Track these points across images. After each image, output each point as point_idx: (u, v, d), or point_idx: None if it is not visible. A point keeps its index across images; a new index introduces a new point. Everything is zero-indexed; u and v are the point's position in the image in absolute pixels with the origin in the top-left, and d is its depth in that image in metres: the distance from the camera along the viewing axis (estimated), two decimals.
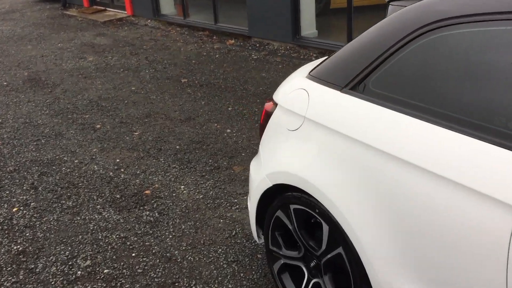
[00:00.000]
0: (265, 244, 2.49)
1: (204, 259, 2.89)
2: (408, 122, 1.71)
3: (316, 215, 2.08)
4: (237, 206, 3.41)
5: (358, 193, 1.85)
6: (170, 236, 3.11)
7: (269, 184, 2.31)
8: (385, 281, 1.80)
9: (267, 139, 2.37)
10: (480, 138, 1.52)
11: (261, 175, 2.35)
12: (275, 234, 2.42)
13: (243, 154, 4.18)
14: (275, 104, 2.33)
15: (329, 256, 2.08)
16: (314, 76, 2.15)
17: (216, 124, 4.82)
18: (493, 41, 1.58)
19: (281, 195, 2.27)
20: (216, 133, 4.63)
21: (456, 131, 1.58)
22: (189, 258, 2.90)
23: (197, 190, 3.65)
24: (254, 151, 4.20)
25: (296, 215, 2.22)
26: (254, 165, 2.53)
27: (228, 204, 3.45)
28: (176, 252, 2.97)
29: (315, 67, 2.22)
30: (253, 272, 2.75)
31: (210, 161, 4.10)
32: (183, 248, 3.00)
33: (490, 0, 1.60)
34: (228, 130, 4.68)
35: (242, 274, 2.73)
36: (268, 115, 2.36)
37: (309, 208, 2.12)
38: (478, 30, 1.61)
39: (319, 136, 2.03)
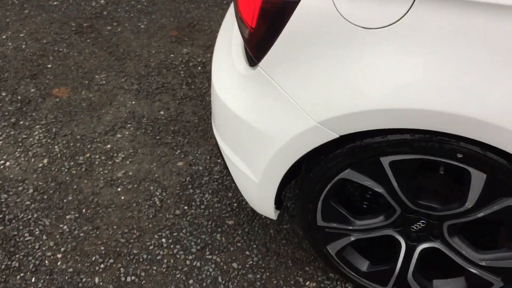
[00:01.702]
0: (301, 222, 1.53)
1: None
2: None
3: (456, 163, 1.20)
4: None
5: None
6: None
7: (332, 136, 1.26)
8: None
9: (292, 53, 1.23)
10: None
11: (300, 123, 1.26)
12: (329, 204, 1.45)
13: None
14: None
15: (483, 213, 1.28)
16: None
17: None
18: None
19: (348, 148, 1.27)
20: None
21: None
22: None
23: None
24: None
25: (398, 168, 1.29)
26: (241, 108, 1.40)
27: None
28: None
29: None
30: None
31: None
32: None
33: None
34: None
35: None
36: (278, 11, 1.19)
37: (437, 155, 1.21)
38: None
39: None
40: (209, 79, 2.61)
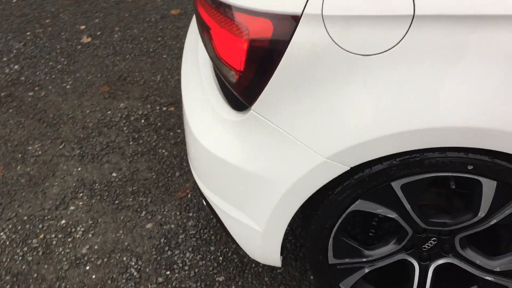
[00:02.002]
0: (311, 264, 1.45)
1: None
2: None
3: (467, 175, 1.19)
4: None
5: None
6: None
7: (343, 169, 1.20)
8: None
9: (288, 91, 1.17)
10: None
11: (307, 161, 1.20)
12: (340, 239, 1.38)
13: None
14: (279, 22, 1.11)
15: (495, 220, 1.28)
16: None
17: None
18: None
19: (357, 179, 1.22)
20: None
21: None
22: None
23: None
24: None
25: (410, 190, 1.25)
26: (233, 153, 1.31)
27: None
28: None
29: None
30: None
31: None
32: None
33: None
34: None
35: None
36: (268, 51, 1.13)
37: (450, 170, 1.20)
38: None
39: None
40: (156, 131, 2.48)
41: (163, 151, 2.36)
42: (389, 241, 1.40)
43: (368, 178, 1.23)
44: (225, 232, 1.55)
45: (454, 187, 1.31)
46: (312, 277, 1.79)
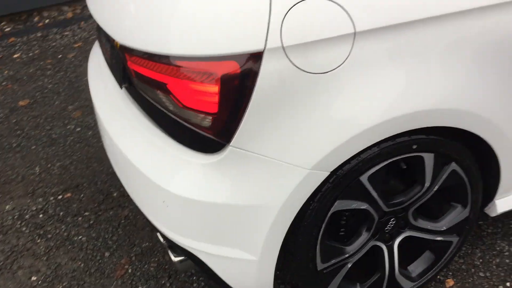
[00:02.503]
0: (303, 276, 1.55)
1: None
2: None
3: (413, 154, 1.44)
4: None
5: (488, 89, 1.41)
6: None
7: (324, 176, 1.35)
8: None
9: (264, 122, 1.28)
10: None
11: (294, 177, 1.31)
12: (326, 244, 1.51)
13: None
14: (246, 60, 1.23)
15: (437, 187, 1.54)
16: None
17: None
18: None
19: (332, 182, 1.38)
20: None
21: None
22: None
23: None
24: None
25: (374, 181, 1.45)
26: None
27: None
28: None
29: None
30: None
31: None
32: None
33: None
34: None
35: None
36: (241, 88, 1.24)
37: (399, 153, 1.43)
38: None
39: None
40: (61, 221, 2.30)
41: (80, 237, 2.21)
42: (361, 232, 1.58)
43: (341, 179, 1.40)
44: (214, 280, 1.56)
45: (404, 167, 1.56)
46: None
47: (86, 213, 2.35)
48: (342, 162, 1.36)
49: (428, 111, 1.36)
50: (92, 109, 3.10)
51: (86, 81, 3.28)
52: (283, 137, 1.31)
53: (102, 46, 1.92)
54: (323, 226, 1.47)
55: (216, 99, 1.28)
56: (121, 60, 1.55)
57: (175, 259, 1.63)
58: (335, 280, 1.61)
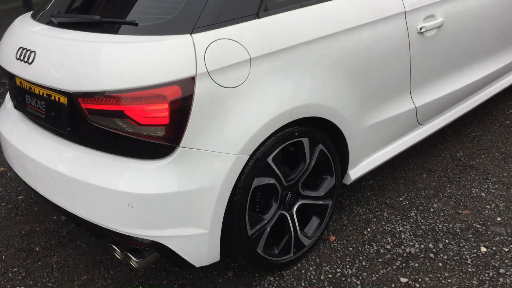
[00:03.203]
0: (239, 242, 2.09)
1: None
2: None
3: (295, 140, 2.12)
4: None
5: (338, 90, 2.19)
6: None
7: (246, 158, 1.93)
8: (359, 127, 2.37)
9: (201, 126, 1.83)
10: None
11: (227, 163, 1.87)
12: (250, 214, 2.06)
13: None
14: (185, 84, 1.78)
15: (313, 163, 2.23)
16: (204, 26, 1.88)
17: None
18: None
19: (251, 164, 1.98)
20: None
21: None
22: None
23: None
24: None
25: (276, 162, 2.06)
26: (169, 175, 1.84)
27: None
28: None
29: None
30: None
31: None
32: None
33: None
34: None
35: None
36: (183, 104, 1.78)
37: (289, 140, 2.09)
38: None
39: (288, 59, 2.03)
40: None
41: None
42: (272, 204, 2.18)
43: (256, 161, 2.01)
44: (173, 261, 1.98)
45: (292, 149, 2.22)
46: (241, 259, 2.27)
47: (15, 269, 2.51)
48: (255, 148, 1.98)
49: (303, 106, 2.08)
50: None
51: None
52: (216, 134, 1.89)
53: (27, 112, 2.28)
54: (248, 199, 2.04)
55: (167, 114, 1.81)
56: (66, 107, 1.98)
57: (136, 260, 2.02)
58: (260, 243, 2.17)
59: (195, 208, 1.93)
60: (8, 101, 2.69)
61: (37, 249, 2.65)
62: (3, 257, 2.61)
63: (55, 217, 2.90)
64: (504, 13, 3.17)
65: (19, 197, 3.14)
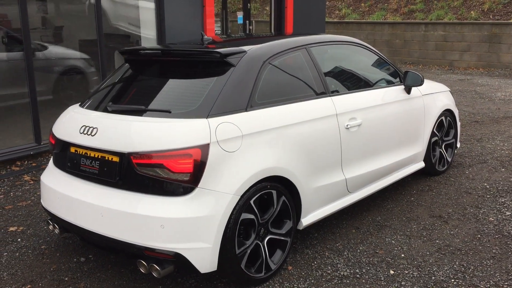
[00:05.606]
0: (230, 259, 3.07)
1: None
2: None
3: (267, 191, 3.21)
4: None
5: (295, 159, 3.35)
6: None
7: (238, 198, 2.99)
8: (308, 187, 3.49)
9: (212, 174, 2.91)
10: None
11: (226, 200, 2.93)
12: (238, 239, 3.06)
13: None
14: (203, 148, 2.88)
15: (278, 209, 3.29)
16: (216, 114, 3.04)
17: None
18: None
19: (242, 202, 3.05)
20: None
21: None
22: None
23: None
24: None
25: (255, 204, 3.12)
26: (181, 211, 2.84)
27: None
28: None
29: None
30: None
31: None
32: None
33: None
34: None
35: None
36: (202, 159, 2.87)
37: (263, 190, 3.16)
38: None
39: (267, 139, 3.22)
40: None
41: None
42: (251, 234, 3.21)
43: (244, 201, 3.07)
44: (187, 268, 2.91)
45: (265, 197, 3.28)
46: (229, 270, 3.19)
47: None
48: (244, 191, 3.06)
49: (273, 167, 3.23)
50: None
51: None
52: (222, 180, 2.97)
53: (80, 170, 3.26)
54: (237, 227, 3.06)
55: (191, 165, 2.90)
56: (118, 163, 3.00)
57: (162, 270, 2.94)
58: (243, 261, 3.16)
59: (204, 228, 2.93)
60: (51, 165, 3.64)
61: (66, 279, 3.45)
62: (40, 284, 3.39)
63: (75, 259, 3.72)
64: (400, 123, 4.59)
65: (42, 246, 3.95)
